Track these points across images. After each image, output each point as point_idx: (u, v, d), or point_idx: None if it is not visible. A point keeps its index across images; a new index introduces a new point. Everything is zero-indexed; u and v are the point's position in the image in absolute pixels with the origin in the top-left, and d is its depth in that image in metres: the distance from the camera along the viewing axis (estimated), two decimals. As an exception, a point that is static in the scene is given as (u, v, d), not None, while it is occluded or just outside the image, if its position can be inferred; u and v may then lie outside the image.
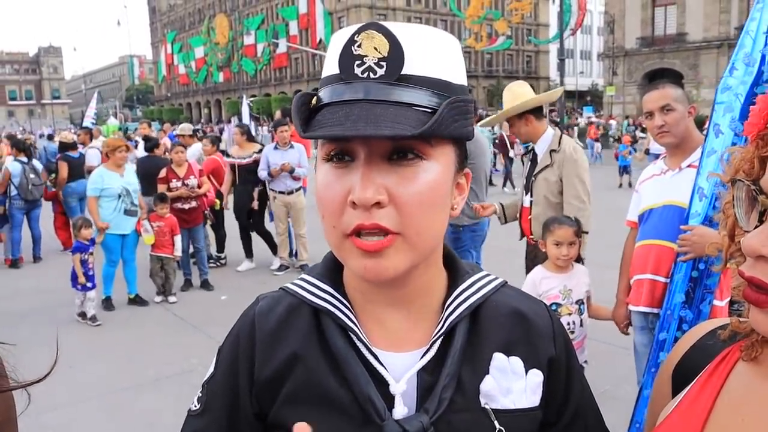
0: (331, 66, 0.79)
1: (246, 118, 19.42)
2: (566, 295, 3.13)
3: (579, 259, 3.29)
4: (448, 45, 0.80)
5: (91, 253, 6.07)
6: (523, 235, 4.04)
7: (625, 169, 15.67)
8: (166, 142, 12.56)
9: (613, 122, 30.90)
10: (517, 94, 3.84)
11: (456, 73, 0.81)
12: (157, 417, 4.12)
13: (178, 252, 6.87)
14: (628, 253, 3.17)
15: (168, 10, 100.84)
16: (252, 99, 45.41)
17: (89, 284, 6.05)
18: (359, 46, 0.75)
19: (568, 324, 3.10)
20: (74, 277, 6.06)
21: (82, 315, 6.12)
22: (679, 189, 2.79)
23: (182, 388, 4.51)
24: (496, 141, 17.77)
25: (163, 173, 7.07)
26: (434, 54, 0.78)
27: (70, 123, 70.68)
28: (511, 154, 16.62)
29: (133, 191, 6.50)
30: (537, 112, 3.83)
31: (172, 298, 6.77)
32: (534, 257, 3.82)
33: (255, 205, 7.93)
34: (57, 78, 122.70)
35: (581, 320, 3.16)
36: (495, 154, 20.26)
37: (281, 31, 70.59)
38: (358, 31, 0.76)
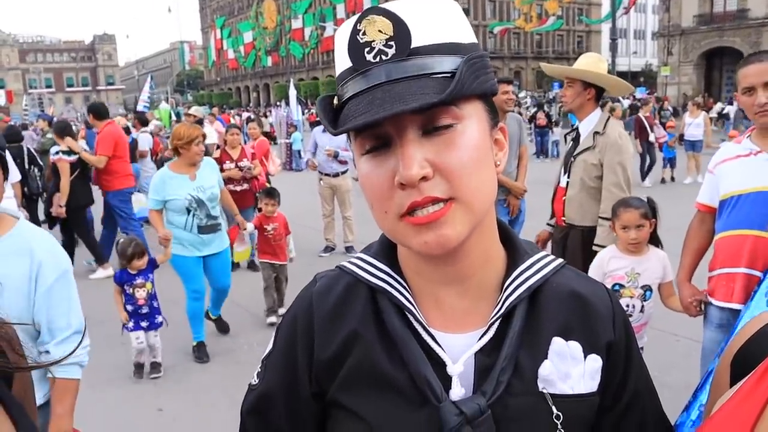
0: (342, 61, 0.80)
1: (293, 102, 19.62)
2: (632, 278, 3.06)
3: (657, 243, 3.19)
4: (448, 8, 0.80)
5: (143, 285, 4.52)
6: (553, 215, 3.91)
7: (670, 162, 12.94)
8: (217, 126, 12.80)
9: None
10: (599, 67, 3.67)
11: (464, 33, 0.81)
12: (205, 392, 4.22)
13: (293, 254, 5.72)
14: (692, 235, 2.98)
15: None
16: (299, 82, 45.65)
17: (144, 323, 4.53)
18: (363, 33, 0.76)
19: (627, 306, 3.05)
20: (127, 313, 4.55)
21: (139, 367, 4.63)
22: None
23: (228, 356, 4.62)
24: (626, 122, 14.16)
25: (216, 155, 7.12)
26: (438, 20, 0.78)
27: (123, 108, 72.71)
28: (652, 138, 12.94)
29: (209, 199, 4.76)
30: (601, 91, 3.69)
31: (282, 310, 5.59)
32: (564, 242, 3.71)
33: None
34: (111, 65, 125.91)
35: (643, 306, 3.08)
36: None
37: (328, 15, 70.69)
38: (359, 20, 0.77)
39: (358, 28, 0.76)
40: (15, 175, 6.24)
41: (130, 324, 4.48)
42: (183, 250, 4.73)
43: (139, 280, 4.49)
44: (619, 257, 3.11)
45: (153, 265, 4.60)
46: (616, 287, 3.08)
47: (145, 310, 4.50)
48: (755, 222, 2.58)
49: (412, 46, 0.75)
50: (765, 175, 2.59)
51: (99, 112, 7.44)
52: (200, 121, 9.62)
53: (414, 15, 0.76)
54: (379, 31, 0.75)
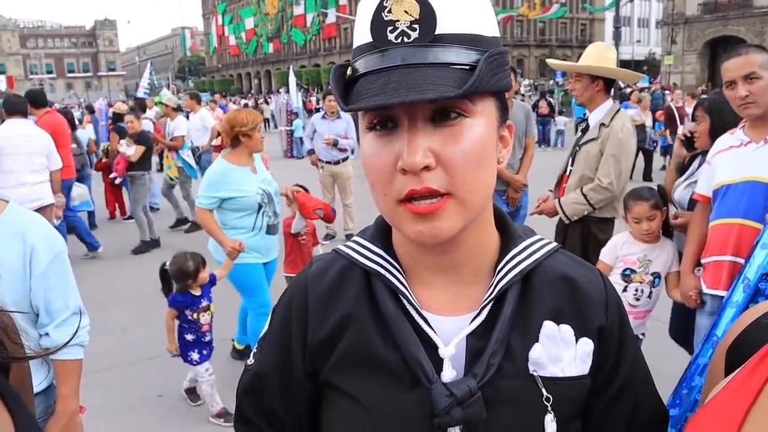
0: (362, 35, 0.79)
1: (293, 89, 19.55)
2: (644, 264, 3.11)
3: (669, 233, 3.20)
4: None
5: (207, 308, 3.82)
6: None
7: (666, 150, 12.68)
8: (218, 113, 12.77)
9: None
10: (605, 58, 3.62)
11: (488, 26, 0.79)
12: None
13: None
14: (694, 226, 2.99)
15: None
16: (301, 69, 45.36)
17: (205, 351, 3.85)
18: (389, 11, 0.74)
19: (636, 291, 3.11)
20: (186, 344, 3.78)
21: (192, 392, 4.10)
22: (763, 163, 2.59)
23: (226, 347, 4.63)
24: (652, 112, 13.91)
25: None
26: (465, 9, 0.77)
27: (124, 95, 72.53)
28: (680, 130, 13.13)
29: (276, 193, 4.17)
30: (611, 83, 3.66)
31: None
32: (565, 230, 3.68)
33: None
34: (112, 51, 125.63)
35: (651, 292, 3.14)
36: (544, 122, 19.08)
37: (330, 1, 70.28)
38: None
39: (384, 5, 0.74)
40: (56, 162, 5.95)
41: (195, 356, 3.78)
42: (248, 257, 3.96)
43: (204, 303, 3.78)
44: (633, 243, 3.15)
45: (212, 281, 3.89)
46: (628, 272, 3.13)
47: (207, 337, 3.81)
48: (741, 210, 2.64)
49: (436, 33, 0.74)
50: (752, 165, 2.64)
51: (37, 99, 6.89)
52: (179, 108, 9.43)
53: (442, 0, 0.75)
54: (405, 11, 0.74)
